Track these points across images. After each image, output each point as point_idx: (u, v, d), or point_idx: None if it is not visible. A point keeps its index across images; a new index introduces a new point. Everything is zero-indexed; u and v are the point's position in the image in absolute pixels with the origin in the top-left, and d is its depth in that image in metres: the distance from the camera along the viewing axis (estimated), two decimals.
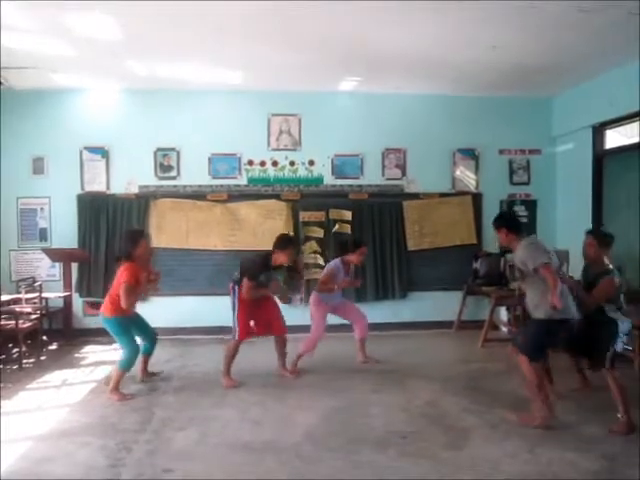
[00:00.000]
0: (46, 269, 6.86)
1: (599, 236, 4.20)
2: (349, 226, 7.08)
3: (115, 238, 6.83)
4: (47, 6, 4.41)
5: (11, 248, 6.84)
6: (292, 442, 3.64)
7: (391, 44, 5.38)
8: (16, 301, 5.93)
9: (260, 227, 7.00)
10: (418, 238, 7.24)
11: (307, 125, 7.14)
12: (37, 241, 6.86)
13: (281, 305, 5.23)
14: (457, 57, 5.78)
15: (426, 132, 7.24)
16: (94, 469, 3.25)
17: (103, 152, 6.92)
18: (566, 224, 7.30)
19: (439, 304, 7.20)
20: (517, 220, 4.38)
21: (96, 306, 6.85)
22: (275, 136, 7.15)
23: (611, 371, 3.86)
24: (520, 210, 7.45)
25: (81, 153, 6.90)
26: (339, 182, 7.21)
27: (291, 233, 6.55)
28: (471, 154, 7.38)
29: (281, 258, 4.88)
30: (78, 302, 6.90)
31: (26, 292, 6.07)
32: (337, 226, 7.05)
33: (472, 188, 7.41)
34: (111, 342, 6.48)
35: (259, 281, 4.83)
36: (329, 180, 7.20)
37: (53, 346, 6.39)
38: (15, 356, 5.67)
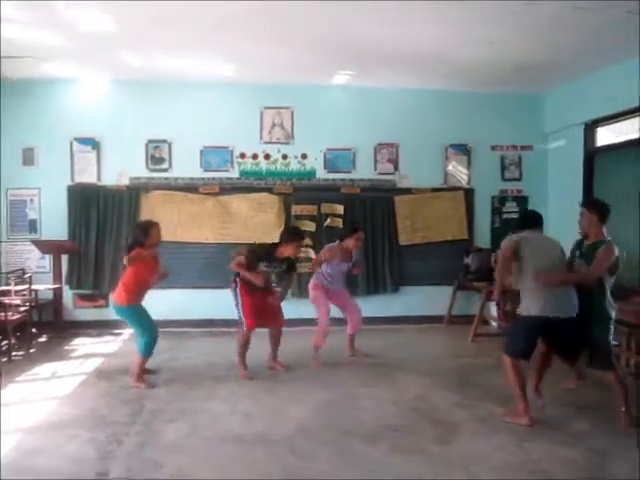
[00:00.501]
0: (36, 261, 6.80)
1: (597, 207, 3.97)
2: (341, 220, 7.07)
3: (106, 230, 6.81)
4: None
5: (0, 240, 6.78)
6: (283, 435, 3.65)
7: (386, 39, 5.37)
8: (5, 293, 5.88)
9: (252, 220, 6.98)
10: (410, 233, 7.25)
11: (300, 118, 7.11)
12: (27, 233, 6.80)
13: None
14: (452, 53, 5.78)
15: (419, 127, 7.24)
16: (84, 461, 3.25)
17: (94, 143, 6.87)
18: (557, 221, 7.31)
19: (430, 299, 7.23)
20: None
21: (87, 298, 6.90)
22: (268, 129, 7.12)
23: (614, 372, 3.81)
24: (511, 206, 7.49)
25: (72, 144, 6.84)
26: (331, 176, 7.20)
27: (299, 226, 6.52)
28: (463, 149, 7.40)
29: (288, 251, 4.88)
30: (68, 294, 6.86)
31: (15, 284, 6.02)
32: (329, 220, 7.04)
33: (464, 183, 7.43)
34: (101, 334, 6.57)
35: (259, 269, 4.82)
36: (321, 174, 7.19)
37: (43, 338, 6.35)
38: (4, 348, 5.63)
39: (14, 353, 5.56)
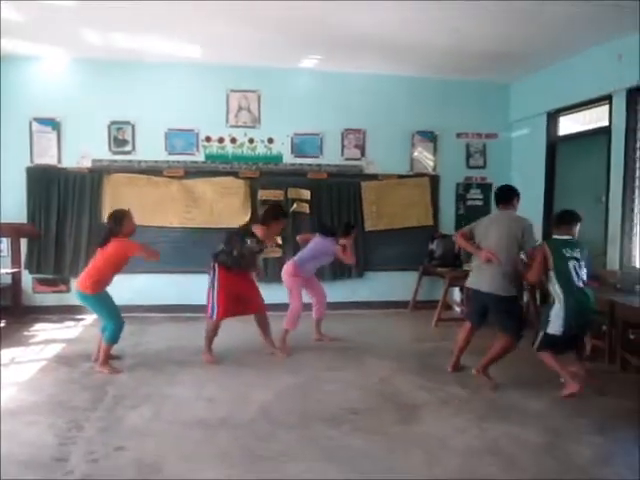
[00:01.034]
0: None
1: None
2: (307, 205, 7.07)
3: (67, 214, 6.64)
4: None
5: None
6: (247, 419, 3.65)
7: (354, 24, 5.35)
8: None
9: (217, 205, 6.90)
10: (376, 219, 7.29)
11: (267, 102, 7.04)
12: None
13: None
14: (420, 39, 5.79)
15: (386, 113, 7.25)
16: (42, 448, 3.19)
17: (54, 124, 6.67)
18: (520, 207, 7.46)
19: (395, 284, 7.31)
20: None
21: (46, 283, 6.74)
22: (234, 113, 7.03)
23: (541, 354, 4.19)
24: (476, 193, 7.60)
25: (31, 124, 6.63)
26: (298, 161, 7.17)
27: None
28: (430, 136, 7.45)
29: (259, 230, 4.81)
30: (27, 279, 6.69)
31: None
32: (295, 205, 7.02)
33: (430, 170, 7.49)
34: (62, 320, 6.43)
35: (243, 251, 4.81)
36: (288, 159, 7.15)
37: (1, 324, 6.19)
38: None
39: None
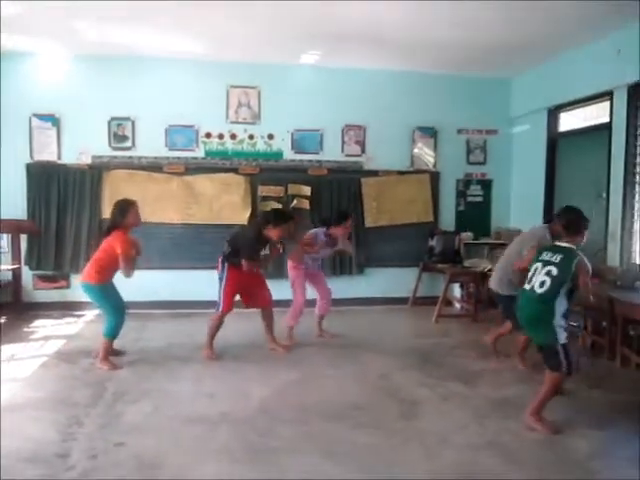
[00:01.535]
0: None
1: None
2: (308, 201, 7.06)
3: (67, 210, 6.64)
4: None
5: None
6: (247, 414, 3.66)
7: (353, 20, 5.32)
8: None
9: (217, 201, 6.90)
10: (376, 215, 7.29)
11: (267, 98, 7.03)
12: None
13: None
14: (419, 34, 5.78)
15: (387, 109, 7.23)
16: (44, 444, 3.19)
17: (54, 120, 6.66)
18: (520, 204, 7.49)
19: (395, 280, 7.31)
20: None
21: (47, 279, 6.74)
22: (234, 109, 7.02)
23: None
24: (476, 189, 7.59)
25: (30, 120, 6.62)
26: (298, 157, 7.16)
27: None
28: (430, 132, 7.44)
29: (275, 233, 4.84)
30: (28, 275, 6.69)
31: None
32: (295, 201, 7.01)
33: (430, 166, 7.48)
34: (62, 316, 6.43)
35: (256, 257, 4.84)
36: (288, 155, 7.14)
37: (1, 320, 6.19)
38: None
39: None
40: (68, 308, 6.58)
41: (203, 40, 6.14)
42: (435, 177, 7.47)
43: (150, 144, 6.83)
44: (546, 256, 3.58)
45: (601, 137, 5.88)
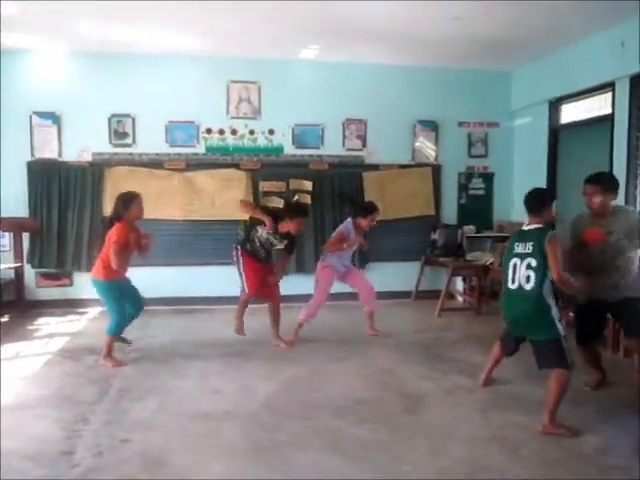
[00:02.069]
0: None
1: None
2: (309, 196, 7.05)
3: (69, 207, 6.64)
4: None
5: None
6: (252, 411, 3.66)
7: (353, 14, 5.30)
8: None
9: (219, 197, 6.89)
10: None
11: (267, 93, 7.01)
12: None
13: None
14: (420, 27, 5.75)
15: (387, 103, 7.21)
16: (50, 442, 3.20)
17: (54, 117, 6.65)
18: (522, 197, 7.42)
19: (398, 274, 7.30)
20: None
21: (50, 277, 6.74)
22: (234, 104, 7.00)
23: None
24: (477, 183, 7.58)
25: (31, 118, 6.61)
26: (299, 152, 7.15)
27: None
28: (431, 126, 7.42)
29: (290, 227, 4.89)
30: (30, 273, 6.70)
31: None
32: (297, 196, 7.00)
33: (431, 160, 7.47)
34: (65, 313, 6.44)
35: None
36: (289, 150, 7.13)
37: (5, 318, 6.20)
38: None
39: None
40: (71, 305, 6.59)
41: (203, 36, 6.11)
42: (437, 170, 7.45)
43: (151, 140, 6.82)
44: (518, 248, 3.45)
45: (603, 129, 5.85)
